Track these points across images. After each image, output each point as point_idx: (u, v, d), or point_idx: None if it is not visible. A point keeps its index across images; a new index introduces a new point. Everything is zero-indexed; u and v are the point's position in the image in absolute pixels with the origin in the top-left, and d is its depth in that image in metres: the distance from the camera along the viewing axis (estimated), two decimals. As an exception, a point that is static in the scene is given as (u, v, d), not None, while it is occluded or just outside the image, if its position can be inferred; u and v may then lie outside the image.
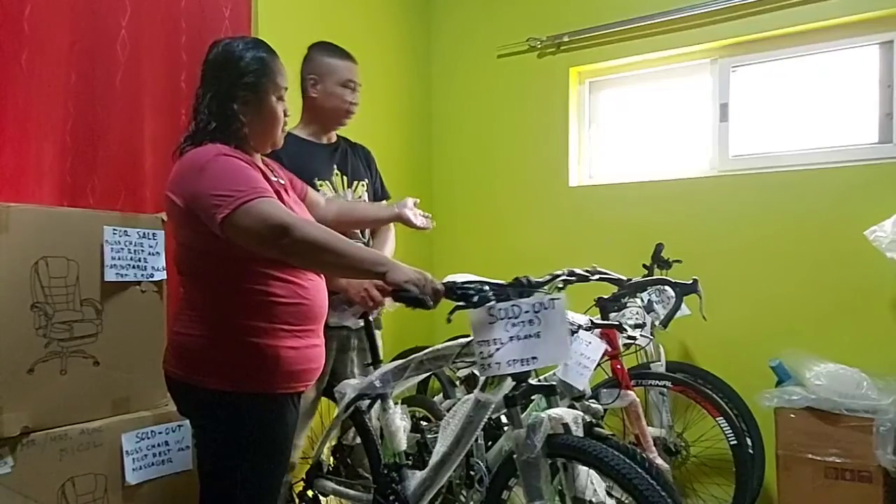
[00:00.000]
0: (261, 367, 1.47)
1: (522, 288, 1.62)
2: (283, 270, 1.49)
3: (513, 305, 1.50)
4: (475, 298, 1.50)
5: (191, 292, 1.55)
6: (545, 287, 1.71)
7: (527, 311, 1.49)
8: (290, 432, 1.57)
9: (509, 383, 1.59)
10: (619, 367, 2.32)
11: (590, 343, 1.97)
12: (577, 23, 3.29)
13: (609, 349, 2.21)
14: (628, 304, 2.50)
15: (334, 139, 2.32)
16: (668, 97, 3.28)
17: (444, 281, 1.50)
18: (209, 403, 1.48)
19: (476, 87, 3.68)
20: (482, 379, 1.63)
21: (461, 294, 1.49)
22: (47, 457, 1.68)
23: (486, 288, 1.53)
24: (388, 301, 1.98)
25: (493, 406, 1.62)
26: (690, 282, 2.34)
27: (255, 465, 1.48)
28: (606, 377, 2.36)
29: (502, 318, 1.48)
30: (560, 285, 1.88)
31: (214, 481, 1.50)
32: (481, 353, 1.50)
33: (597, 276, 2.18)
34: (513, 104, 3.55)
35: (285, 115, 1.62)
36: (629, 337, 2.28)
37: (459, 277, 1.56)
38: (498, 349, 1.48)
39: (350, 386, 1.98)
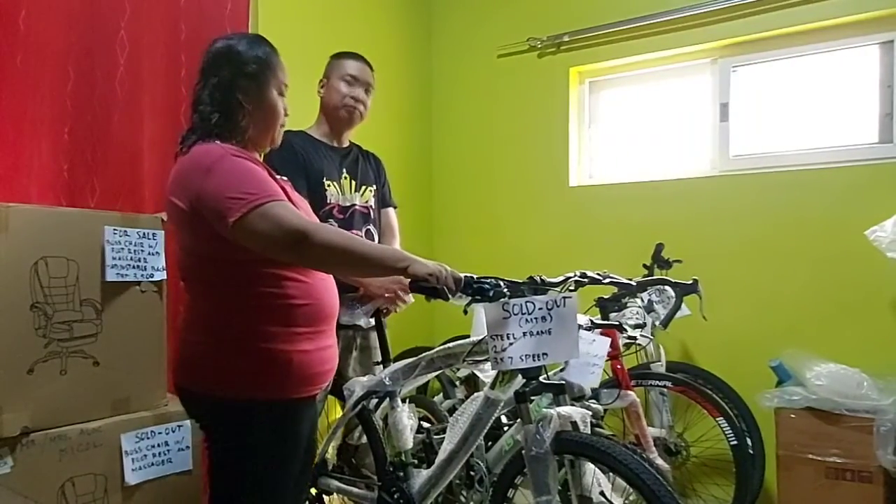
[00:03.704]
0: (274, 373, 1.43)
1: (536, 286, 1.64)
2: (291, 270, 1.45)
3: (527, 302, 1.51)
4: (491, 293, 1.51)
5: (196, 299, 1.51)
6: (557, 287, 1.73)
7: (540, 308, 1.50)
8: (305, 434, 1.55)
9: (519, 380, 1.60)
10: (619, 367, 2.32)
11: (593, 341, 1.97)
12: (577, 23, 3.30)
13: (609, 349, 2.21)
14: (628, 305, 2.50)
15: (346, 144, 2.32)
16: (668, 97, 3.28)
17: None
18: (222, 413, 1.45)
19: (476, 87, 3.68)
20: (492, 376, 1.64)
21: (477, 288, 1.51)
22: (47, 457, 1.66)
23: (501, 284, 1.55)
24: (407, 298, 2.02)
25: (502, 404, 1.62)
26: (690, 282, 2.35)
27: (269, 471, 1.46)
28: (607, 377, 2.36)
29: (516, 314, 1.50)
30: (572, 287, 1.89)
31: (225, 484, 1.48)
32: (494, 347, 1.51)
33: (608, 280, 2.18)
34: (513, 104, 3.55)
35: (285, 113, 1.59)
36: (629, 337, 2.29)
37: None
38: (511, 344, 1.49)
39: (359, 384, 1.98)
